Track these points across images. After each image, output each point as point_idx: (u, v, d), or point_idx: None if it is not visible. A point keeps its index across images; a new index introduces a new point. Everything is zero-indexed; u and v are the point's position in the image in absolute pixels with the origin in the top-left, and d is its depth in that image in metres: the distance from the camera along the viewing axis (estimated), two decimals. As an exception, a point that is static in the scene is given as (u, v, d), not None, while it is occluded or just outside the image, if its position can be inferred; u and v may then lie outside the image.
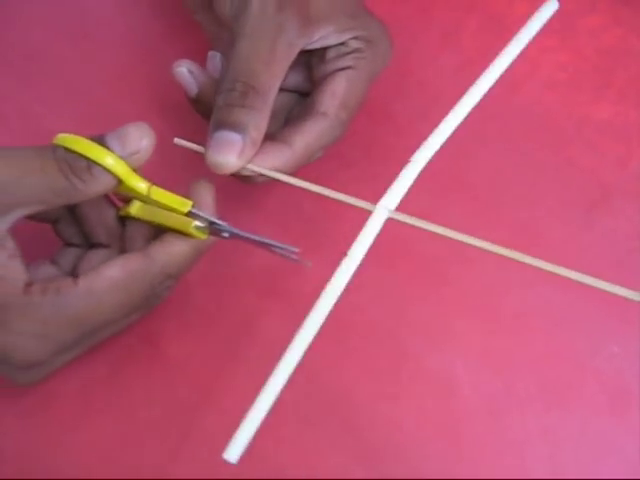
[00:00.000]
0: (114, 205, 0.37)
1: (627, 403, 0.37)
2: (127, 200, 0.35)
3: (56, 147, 0.32)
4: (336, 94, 0.38)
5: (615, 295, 0.35)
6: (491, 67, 0.35)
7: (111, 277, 0.33)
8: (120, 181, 0.32)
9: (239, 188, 0.39)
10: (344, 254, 0.31)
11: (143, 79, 0.45)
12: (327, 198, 0.33)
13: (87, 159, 0.32)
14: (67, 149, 0.32)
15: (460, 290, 0.40)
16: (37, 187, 0.31)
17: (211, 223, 0.34)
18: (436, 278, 0.40)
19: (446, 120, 0.34)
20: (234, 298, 0.40)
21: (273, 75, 0.35)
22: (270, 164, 0.36)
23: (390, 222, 0.41)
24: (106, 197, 0.36)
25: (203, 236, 0.34)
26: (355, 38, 0.38)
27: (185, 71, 0.38)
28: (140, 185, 0.33)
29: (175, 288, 0.37)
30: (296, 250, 0.32)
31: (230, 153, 0.34)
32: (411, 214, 0.41)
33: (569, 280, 0.39)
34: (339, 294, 0.30)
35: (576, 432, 0.37)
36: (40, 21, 0.48)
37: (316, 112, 0.37)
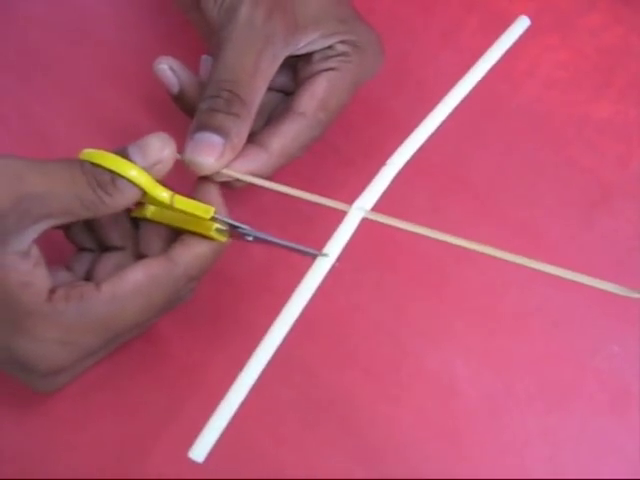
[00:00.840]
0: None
1: (627, 403, 0.37)
2: (139, 202, 0.36)
3: (83, 161, 0.32)
4: (315, 94, 0.37)
5: (609, 293, 0.35)
6: (460, 83, 0.35)
7: (134, 282, 0.33)
8: (144, 192, 0.33)
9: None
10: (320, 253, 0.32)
11: (143, 79, 0.45)
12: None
13: (111, 172, 0.32)
14: (93, 164, 0.32)
15: (460, 290, 0.40)
16: (67, 199, 0.32)
17: (233, 227, 0.34)
18: (436, 278, 0.40)
19: (422, 125, 0.34)
20: (234, 296, 0.40)
21: (257, 85, 0.35)
22: (246, 168, 0.35)
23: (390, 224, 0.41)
24: None
25: (223, 238, 0.34)
26: (342, 42, 0.38)
27: (166, 68, 0.38)
28: (163, 195, 0.33)
29: (196, 289, 0.37)
30: (319, 253, 0.32)
31: (209, 154, 0.34)
32: (411, 214, 0.41)
33: (567, 280, 0.39)
34: (311, 293, 0.30)
35: (576, 432, 0.37)
36: (39, 22, 0.48)
37: (294, 112, 0.37)
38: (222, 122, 0.34)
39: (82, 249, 0.38)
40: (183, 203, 0.34)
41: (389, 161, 0.33)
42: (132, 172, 0.32)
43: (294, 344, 0.39)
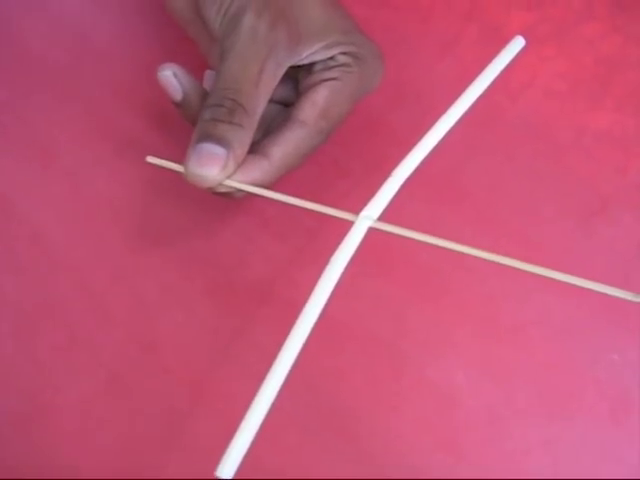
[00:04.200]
0: None
1: (628, 411, 0.37)
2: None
3: None
4: (317, 103, 0.38)
5: (614, 298, 0.35)
6: (457, 103, 0.35)
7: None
8: None
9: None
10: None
11: (146, 92, 0.45)
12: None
13: None
14: None
15: (460, 299, 0.40)
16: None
17: None
18: (436, 288, 0.40)
19: (425, 137, 0.34)
20: (233, 307, 0.40)
21: (261, 95, 0.36)
22: (247, 178, 0.35)
23: (389, 233, 0.41)
24: None
25: None
26: (344, 53, 0.38)
27: (170, 75, 0.37)
28: None
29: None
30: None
31: (212, 166, 0.34)
32: (409, 223, 0.41)
33: (569, 288, 0.39)
34: (323, 303, 0.30)
35: (577, 441, 0.37)
36: (41, 35, 0.48)
37: (295, 121, 0.37)
38: (225, 132, 0.34)
39: None
40: None
41: (394, 172, 0.33)
42: None
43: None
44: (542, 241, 0.41)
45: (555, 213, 0.41)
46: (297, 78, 0.40)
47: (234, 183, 0.35)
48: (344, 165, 0.43)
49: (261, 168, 0.36)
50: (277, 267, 0.41)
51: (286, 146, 0.37)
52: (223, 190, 0.36)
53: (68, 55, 0.48)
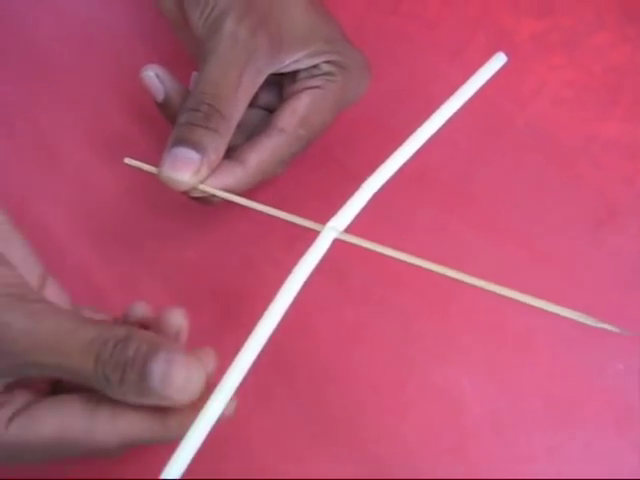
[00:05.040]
0: None
1: (633, 420, 0.37)
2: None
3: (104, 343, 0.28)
4: (297, 111, 0.37)
5: (612, 308, 0.34)
6: (433, 116, 0.34)
7: (42, 437, 0.29)
8: None
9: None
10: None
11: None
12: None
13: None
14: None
15: (466, 306, 0.40)
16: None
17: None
18: (441, 294, 0.40)
19: (399, 150, 0.34)
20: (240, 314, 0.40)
21: (239, 101, 0.35)
22: (221, 183, 0.35)
23: (397, 240, 0.41)
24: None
25: None
26: (328, 62, 0.38)
27: (153, 75, 0.38)
28: None
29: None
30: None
31: (185, 171, 0.34)
32: (417, 230, 0.41)
33: (575, 296, 0.39)
34: (282, 314, 0.29)
35: (581, 449, 0.37)
36: (47, 34, 0.48)
37: (274, 128, 0.37)
38: (200, 137, 0.34)
39: None
40: None
41: (365, 184, 0.33)
42: None
43: (300, 360, 0.39)
44: (549, 249, 0.41)
45: (562, 221, 0.41)
46: (282, 84, 0.40)
47: (207, 188, 0.35)
48: (352, 169, 0.43)
49: (235, 174, 0.36)
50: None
51: (262, 153, 0.37)
52: (197, 194, 0.36)
53: (74, 54, 0.48)
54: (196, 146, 0.34)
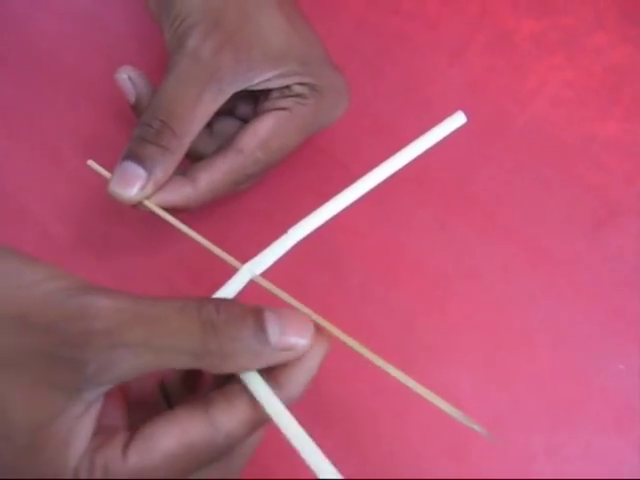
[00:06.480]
0: None
1: (633, 420, 0.37)
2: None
3: (201, 305, 0.27)
4: (258, 133, 0.37)
5: (613, 312, 0.34)
6: (382, 166, 0.33)
7: (166, 451, 0.26)
8: None
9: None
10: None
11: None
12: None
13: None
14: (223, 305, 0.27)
15: (465, 306, 0.40)
16: (171, 355, 0.26)
17: None
18: (441, 294, 0.40)
19: (331, 202, 0.33)
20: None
21: (194, 120, 0.35)
22: (169, 201, 0.35)
23: (397, 240, 0.41)
24: None
25: None
26: (301, 84, 0.37)
27: (125, 78, 0.37)
28: None
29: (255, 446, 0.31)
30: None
31: (130, 187, 0.34)
32: (418, 230, 0.41)
33: (575, 297, 0.40)
34: None
35: (582, 449, 0.37)
36: (51, 34, 0.48)
37: (232, 148, 0.37)
38: (149, 153, 0.34)
39: None
40: None
41: (290, 231, 0.32)
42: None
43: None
44: (550, 249, 0.41)
45: (563, 221, 0.41)
46: (257, 99, 0.39)
47: (150, 205, 0.35)
48: (353, 170, 0.43)
49: (183, 192, 0.36)
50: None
51: (214, 173, 0.36)
52: (143, 209, 0.35)
53: (78, 54, 0.48)
54: (144, 163, 0.34)
